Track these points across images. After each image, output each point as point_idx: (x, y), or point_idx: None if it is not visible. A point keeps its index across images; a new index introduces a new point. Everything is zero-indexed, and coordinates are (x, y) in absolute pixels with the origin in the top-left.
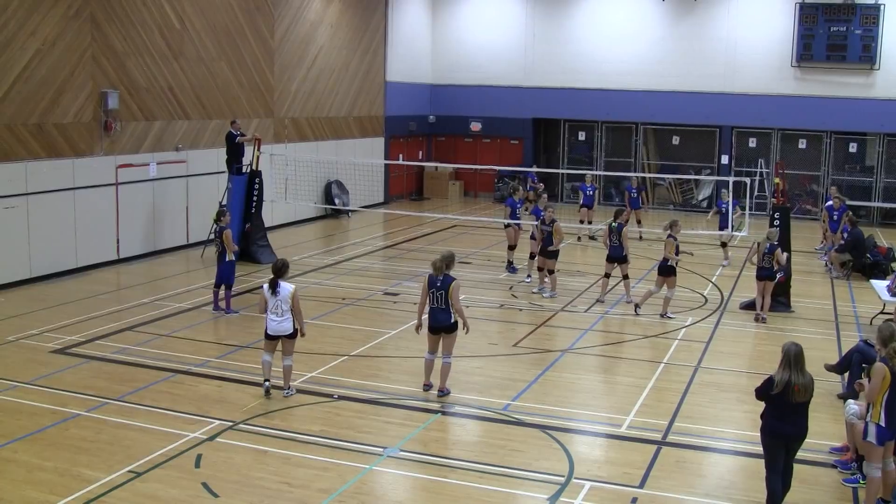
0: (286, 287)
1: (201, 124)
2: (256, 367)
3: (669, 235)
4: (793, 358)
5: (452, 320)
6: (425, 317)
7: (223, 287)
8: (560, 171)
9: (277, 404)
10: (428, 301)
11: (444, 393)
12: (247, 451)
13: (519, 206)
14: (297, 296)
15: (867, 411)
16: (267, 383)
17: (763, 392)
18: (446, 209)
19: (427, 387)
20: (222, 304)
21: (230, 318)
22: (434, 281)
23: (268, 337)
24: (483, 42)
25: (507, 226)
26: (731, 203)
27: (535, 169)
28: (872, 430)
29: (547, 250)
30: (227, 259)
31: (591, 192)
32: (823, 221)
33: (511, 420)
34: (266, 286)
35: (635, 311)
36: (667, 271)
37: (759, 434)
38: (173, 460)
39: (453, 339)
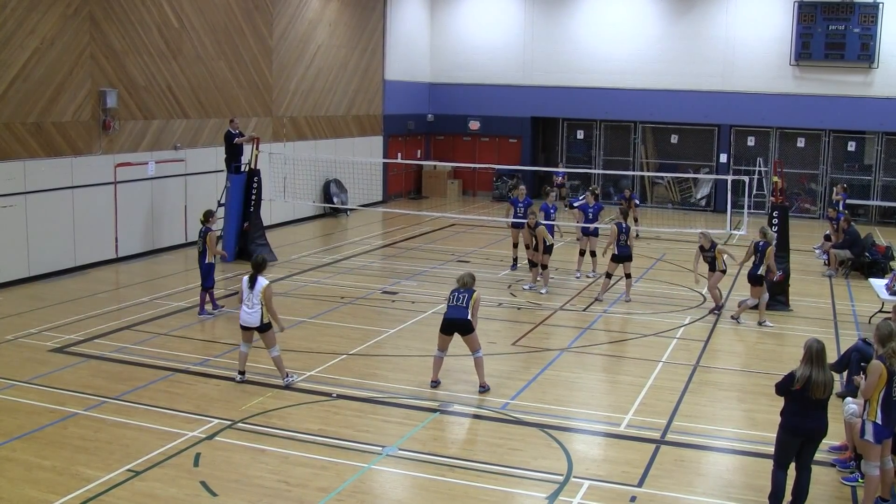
0: (261, 282)
1: (200, 123)
2: (256, 366)
3: (767, 244)
4: (815, 354)
5: (468, 317)
6: (441, 309)
7: (205, 290)
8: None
9: (276, 403)
10: (447, 301)
11: (484, 389)
12: (245, 450)
13: (553, 211)
14: (270, 292)
15: (864, 409)
16: (240, 375)
17: (783, 388)
18: (445, 208)
19: (434, 383)
20: (208, 307)
21: (225, 316)
22: (458, 289)
23: (241, 328)
24: (482, 41)
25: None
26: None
27: (562, 169)
28: (870, 428)
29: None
30: (206, 261)
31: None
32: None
33: (510, 419)
34: (246, 279)
35: (734, 319)
36: (758, 280)
37: (757, 432)
38: (172, 459)
39: (473, 337)
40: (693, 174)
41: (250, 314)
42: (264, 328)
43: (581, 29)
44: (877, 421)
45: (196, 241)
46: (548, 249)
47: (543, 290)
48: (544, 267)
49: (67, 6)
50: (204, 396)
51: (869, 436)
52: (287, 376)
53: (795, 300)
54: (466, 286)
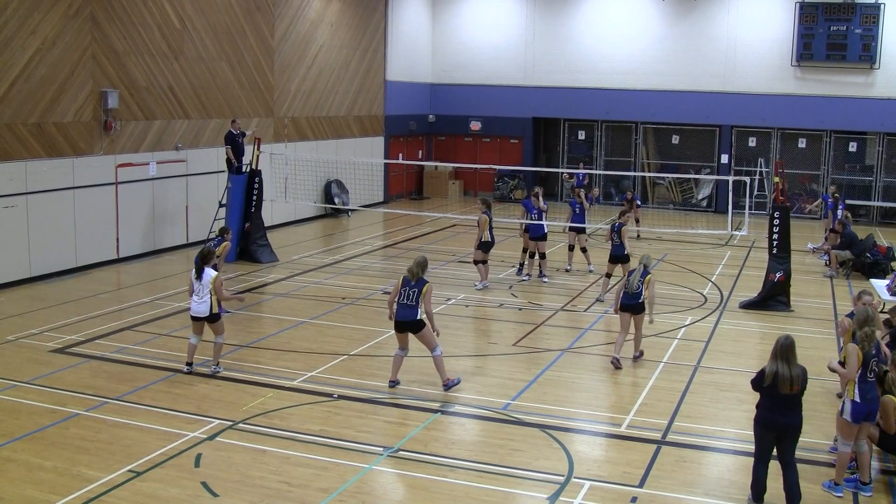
0: (209, 273)
1: (201, 123)
2: (256, 367)
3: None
4: (780, 350)
5: (418, 317)
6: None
7: None
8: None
9: (277, 404)
10: (398, 296)
11: (449, 385)
12: (246, 450)
13: (537, 211)
14: (220, 281)
15: (844, 389)
16: (187, 367)
17: (756, 383)
18: (446, 208)
19: (393, 383)
20: None
21: (224, 316)
22: (408, 281)
23: (191, 319)
24: (483, 41)
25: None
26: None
27: (582, 169)
28: (848, 406)
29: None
30: None
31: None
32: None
33: (511, 419)
34: (192, 272)
35: None
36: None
37: None
38: (173, 460)
39: (426, 334)
40: (694, 175)
41: (200, 304)
42: (213, 318)
43: (582, 29)
44: (855, 399)
45: (207, 242)
46: (483, 246)
47: (478, 285)
48: (482, 263)
49: (69, 7)
50: (205, 397)
51: (847, 415)
52: (217, 365)
53: (796, 301)
54: (415, 277)
